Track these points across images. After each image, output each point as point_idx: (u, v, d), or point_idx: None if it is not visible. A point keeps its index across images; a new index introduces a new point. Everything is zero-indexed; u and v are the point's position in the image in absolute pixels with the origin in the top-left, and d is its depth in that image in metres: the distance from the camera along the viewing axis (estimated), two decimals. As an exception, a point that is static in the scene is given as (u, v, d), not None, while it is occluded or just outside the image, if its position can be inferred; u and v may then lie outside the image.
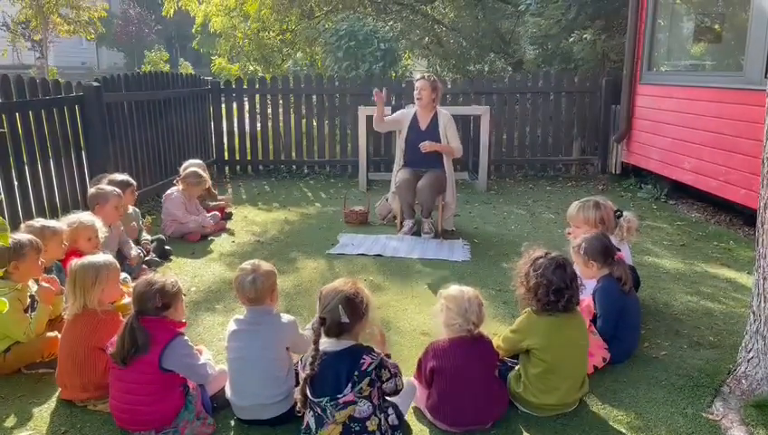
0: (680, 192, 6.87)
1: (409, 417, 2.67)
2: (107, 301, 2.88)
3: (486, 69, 11.82)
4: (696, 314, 3.82)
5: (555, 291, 2.62)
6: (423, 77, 5.57)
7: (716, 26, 7.06)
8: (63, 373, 2.80)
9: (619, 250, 3.34)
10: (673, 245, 5.30)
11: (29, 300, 3.11)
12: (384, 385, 2.40)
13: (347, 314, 2.35)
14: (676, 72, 7.16)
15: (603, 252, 3.18)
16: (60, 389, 2.85)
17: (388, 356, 2.57)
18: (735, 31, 6.54)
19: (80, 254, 3.75)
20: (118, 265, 3.00)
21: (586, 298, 3.17)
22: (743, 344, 2.95)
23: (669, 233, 5.67)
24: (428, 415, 2.66)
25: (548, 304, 2.64)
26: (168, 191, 5.55)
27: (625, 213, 3.78)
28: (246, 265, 2.70)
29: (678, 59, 7.45)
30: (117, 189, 4.38)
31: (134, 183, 4.88)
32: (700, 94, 6.15)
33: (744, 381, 2.83)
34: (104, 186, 4.42)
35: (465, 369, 2.56)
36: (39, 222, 3.54)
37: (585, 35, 8.33)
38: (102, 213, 4.12)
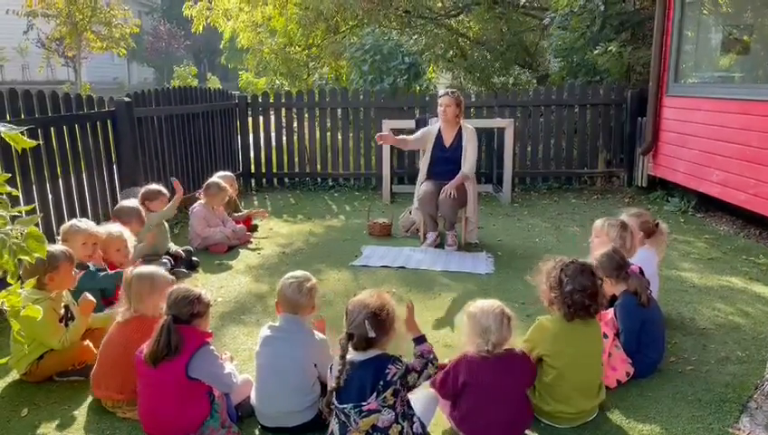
0: (708, 205, 6.77)
1: (432, 429, 2.68)
2: None
3: (511, 82, 11.81)
4: (724, 328, 3.76)
5: (590, 295, 2.68)
6: (447, 93, 5.59)
7: (744, 37, 6.97)
8: (100, 374, 2.86)
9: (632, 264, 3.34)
10: (701, 258, 5.22)
11: (63, 310, 3.18)
12: (415, 384, 2.44)
13: (373, 328, 2.36)
14: (704, 84, 7.07)
15: (616, 267, 3.18)
16: (93, 389, 2.91)
17: (424, 338, 2.62)
18: (764, 42, 6.46)
19: (112, 264, 3.87)
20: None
21: (608, 311, 3.16)
22: (771, 360, 2.90)
23: (697, 246, 5.59)
24: (453, 424, 2.66)
25: (581, 309, 2.67)
26: (192, 206, 5.66)
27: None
28: (296, 272, 2.79)
29: (706, 71, 7.36)
30: (138, 207, 4.57)
31: (166, 193, 5.06)
32: (728, 106, 6.08)
33: (772, 397, 2.79)
34: (126, 202, 4.67)
35: (496, 385, 2.56)
36: (72, 222, 3.74)
37: (610, 47, 8.29)
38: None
